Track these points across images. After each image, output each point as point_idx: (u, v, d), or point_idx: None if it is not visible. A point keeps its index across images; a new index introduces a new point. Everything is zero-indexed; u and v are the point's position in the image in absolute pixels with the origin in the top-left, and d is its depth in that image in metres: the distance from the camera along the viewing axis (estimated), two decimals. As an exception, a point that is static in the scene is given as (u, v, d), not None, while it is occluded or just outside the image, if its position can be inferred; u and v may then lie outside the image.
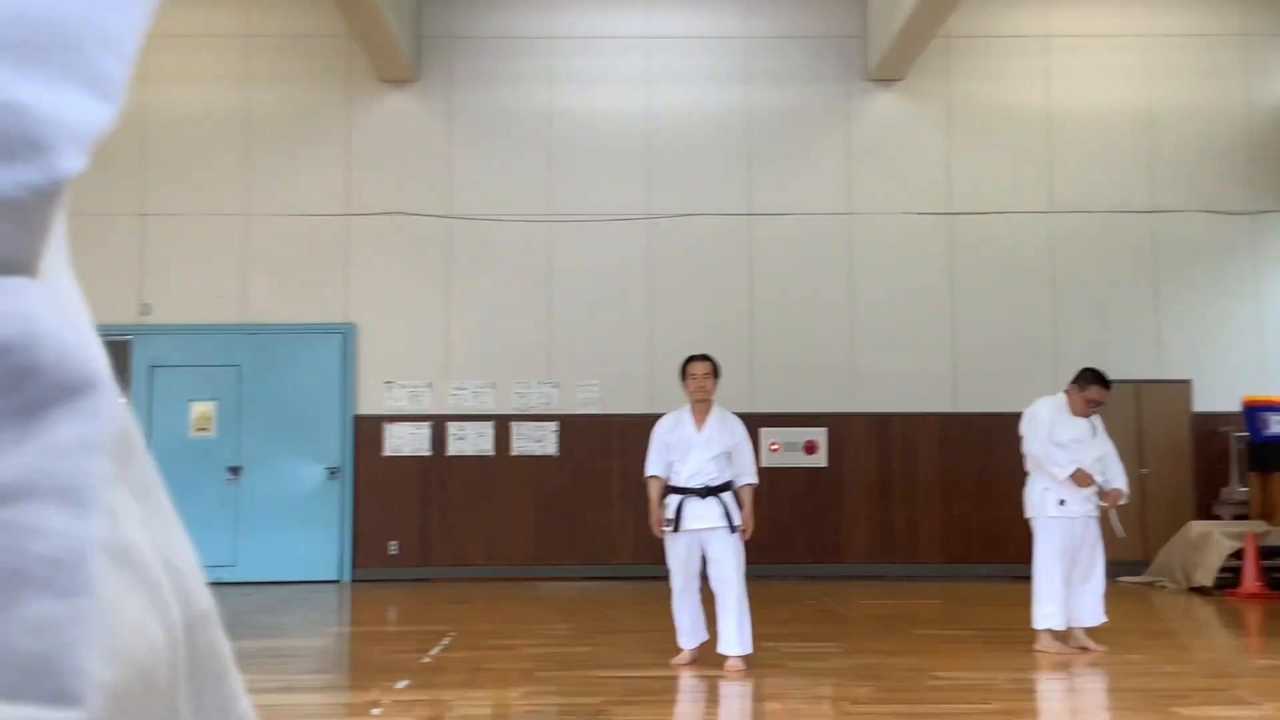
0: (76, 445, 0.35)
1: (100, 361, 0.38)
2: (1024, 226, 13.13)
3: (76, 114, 0.40)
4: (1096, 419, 7.54)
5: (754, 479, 6.90)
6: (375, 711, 5.36)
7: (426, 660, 6.94)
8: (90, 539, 0.34)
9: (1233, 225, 13.20)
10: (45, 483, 0.34)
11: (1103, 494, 7.38)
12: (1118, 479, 7.43)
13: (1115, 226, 13.17)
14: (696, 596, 6.82)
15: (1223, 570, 10.95)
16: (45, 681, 0.32)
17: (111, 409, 0.38)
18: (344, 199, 12.90)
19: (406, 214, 12.90)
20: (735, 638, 6.53)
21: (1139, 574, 12.19)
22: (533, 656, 7.08)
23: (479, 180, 12.99)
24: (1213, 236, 13.18)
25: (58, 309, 0.38)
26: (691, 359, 7.06)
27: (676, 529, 6.74)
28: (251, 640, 7.91)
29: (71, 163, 0.40)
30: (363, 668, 6.84)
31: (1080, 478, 7.25)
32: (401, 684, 6.09)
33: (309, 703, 5.75)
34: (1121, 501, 7.46)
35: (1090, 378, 7.42)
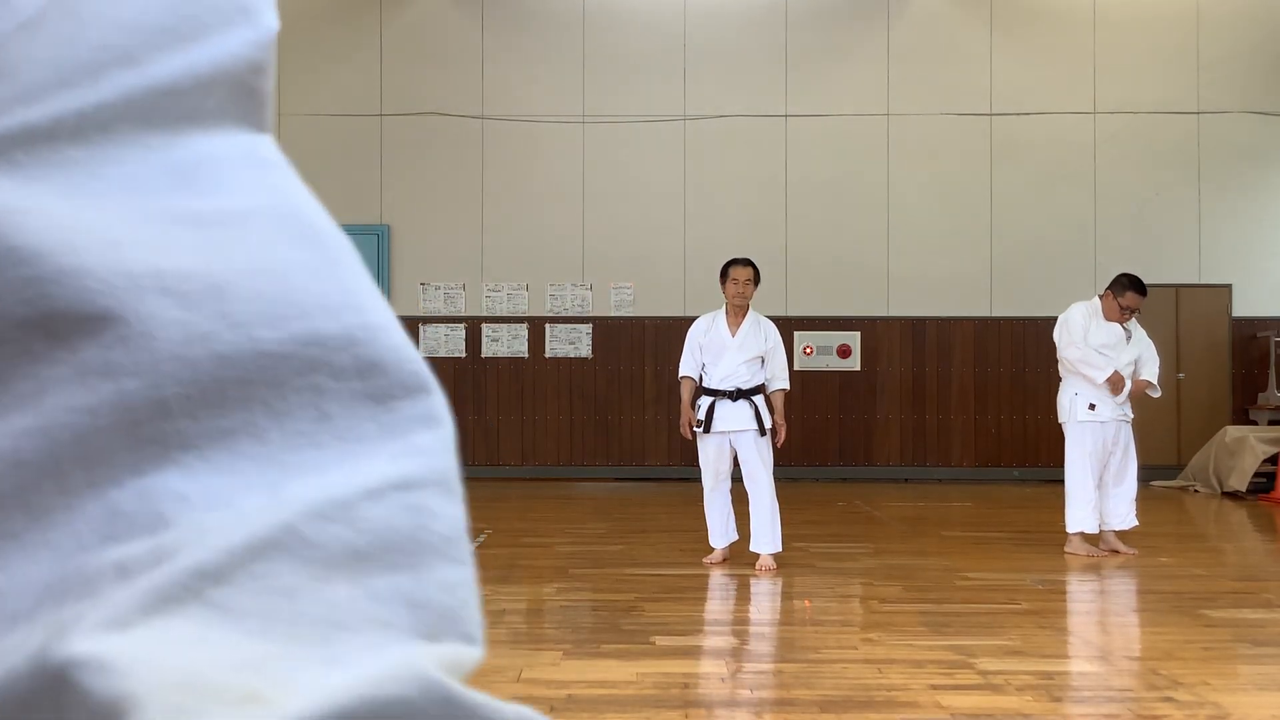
0: (441, 446, 0.44)
1: (425, 365, 0.46)
2: (1066, 128, 12.90)
3: None
4: (1132, 323, 7.49)
5: (786, 384, 6.93)
6: (413, 605, 5.48)
7: (463, 557, 7.07)
8: (464, 520, 0.44)
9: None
10: (430, 476, 0.43)
11: (1134, 385, 7.37)
12: (1148, 370, 7.38)
13: (1159, 128, 12.90)
14: (727, 497, 6.89)
15: (1256, 475, 10.93)
16: (458, 627, 0.43)
17: (448, 413, 0.46)
18: (377, 99, 12.83)
19: (440, 114, 12.82)
20: (766, 537, 6.61)
21: (1172, 478, 12.19)
22: (567, 554, 7.20)
23: (512, 81, 12.86)
24: (1259, 138, 12.90)
25: (382, 303, 0.45)
26: (734, 262, 7.03)
27: (707, 430, 6.79)
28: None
29: (273, 16, 0.45)
30: (400, 563, 6.98)
31: (1116, 381, 7.23)
32: (438, 579, 6.22)
33: (349, 596, 5.88)
34: (1154, 394, 7.44)
35: (1126, 283, 7.35)
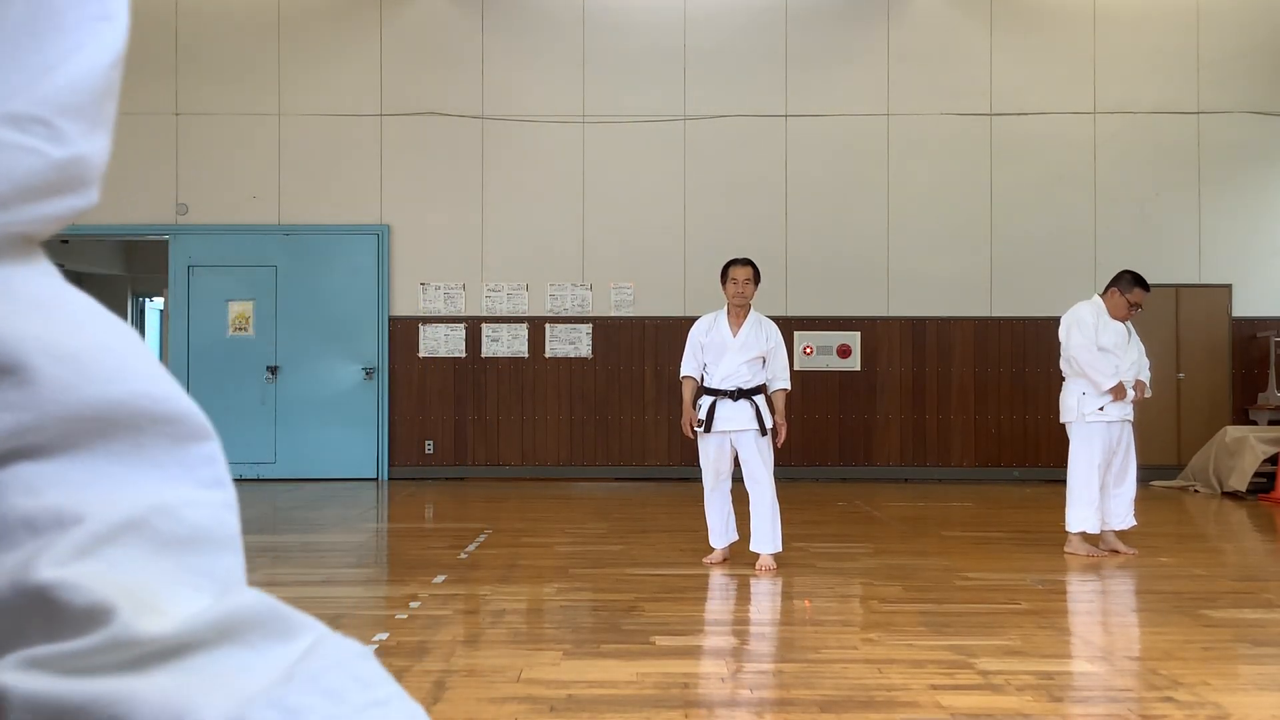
0: (223, 476, 0.69)
1: (206, 418, 0.70)
2: (1066, 128, 12.90)
3: (101, 153, 0.63)
4: (1130, 321, 7.49)
5: (787, 384, 6.93)
6: (414, 605, 5.48)
7: (463, 556, 7.07)
8: (238, 525, 0.70)
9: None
10: (220, 497, 0.68)
11: (1138, 389, 7.38)
12: (1143, 373, 7.43)
13: (1159, 128, 12.91)
14: (728, 497, 6.90)
15: (1256, 475, 10.93)
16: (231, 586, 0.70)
17: (222, 453, 0.70)
18: (377, 99, 12.83)
19: (439, 114, 12.82)
20: (766, 536, 6.62)
21: (1172, 478, 12.19)
22: (566, 554, 7.20)
23: (512, 81, 12.86)
24: (1259, 138, 12.90)
25: (161, 370, 0.68)
26: (734, 262, 7.04)
27: (708, 430, 6.79)
28: (291, 535, 8.08)
29: (96, 191, 0.64)
30: (401, 562, 6.99)
31: (1119, 391, 7.22)
32: (439, 579, 6.22)
33: (349, 595, 5.89)
34: (1146, 394, 7.45)
35: (1133, 280, 7.34)
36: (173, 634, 0.63)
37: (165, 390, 0.66)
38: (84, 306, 0.63)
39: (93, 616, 0.59)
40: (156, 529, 0.62)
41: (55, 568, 0.59)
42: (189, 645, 0.63)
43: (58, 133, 0.58)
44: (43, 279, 0.63)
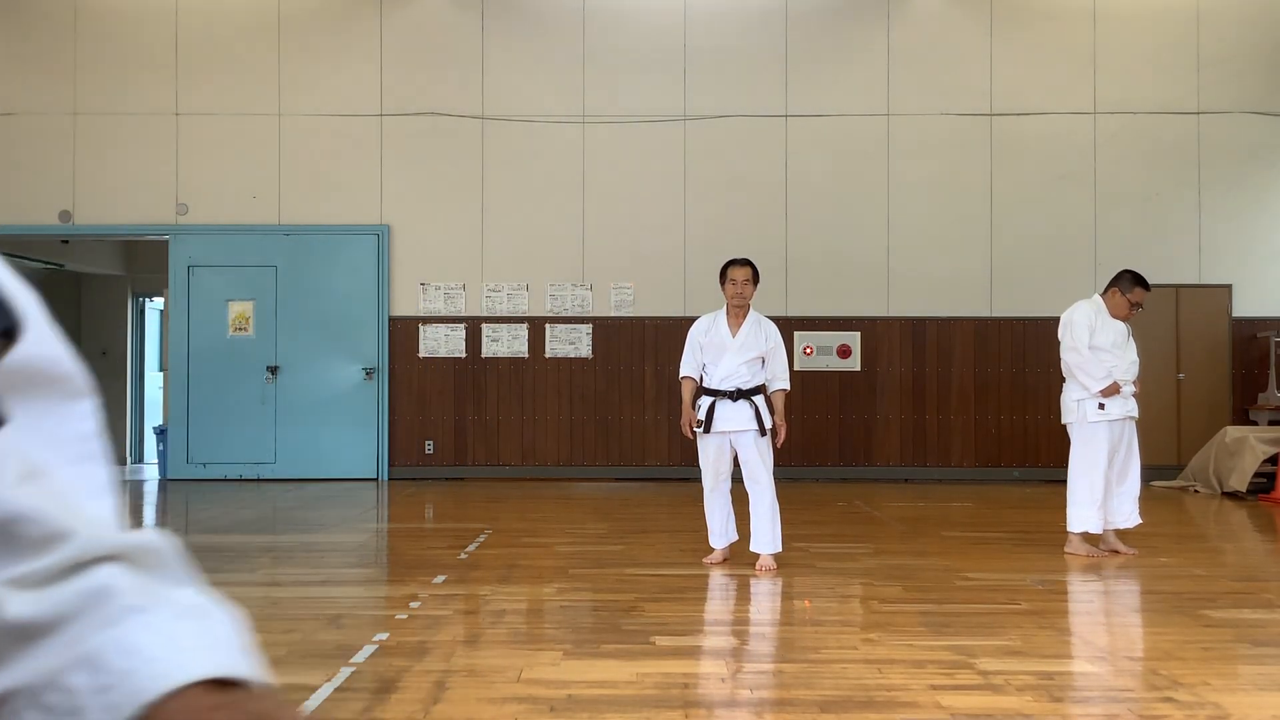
0: (98, 430, 0.79)
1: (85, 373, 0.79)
2: (1066, 128, 12.90)
3: None
4: (1129, 322, 7.48)
5: (787, 385, 6.92)
6: (414, 605, 5.48)
7: (463, 556, 7.07)
8: (112, 473, 0.81)
9: (1281, 126, 12.90)
10: (102, 449, 0.79)
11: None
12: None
13: (1160, 128, 12.90)
14: (727, 497, 6.89)
15: (1256, 475, 10.93)
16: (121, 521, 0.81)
17: (97, 409, 0.80)
18: (377, 99, 12.83)
19: (439, 114, 12.82)
20: (766, 537, 6.61)
21: (1172, 478, 12.19)
22: (566, 554, 7.20)
23: (512, 81, 12.86)
24: (1260, 138, 12.90)
25: (54, 330, 0.77)
26: (732, 263, 7.03)
27: (707, 430, 6.79)
28: (291, 535, 8.08)
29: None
30: (401, 562, 6.99)
31: (1111, 391, 7.21)
32: (439, 579, 6.22)
33: (349, 595, 5.89)
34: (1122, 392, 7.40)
35: (1133, 279, 7.33)
36: (112, 545, 0.72)
37: (62, 350, 0.76)
38: None
39: (53, 537, 0.70)
40: (60, 468, 0.74)
41: (9, 489, 0.69)
42: (120, 557, 0.73)
43: None
44: None
